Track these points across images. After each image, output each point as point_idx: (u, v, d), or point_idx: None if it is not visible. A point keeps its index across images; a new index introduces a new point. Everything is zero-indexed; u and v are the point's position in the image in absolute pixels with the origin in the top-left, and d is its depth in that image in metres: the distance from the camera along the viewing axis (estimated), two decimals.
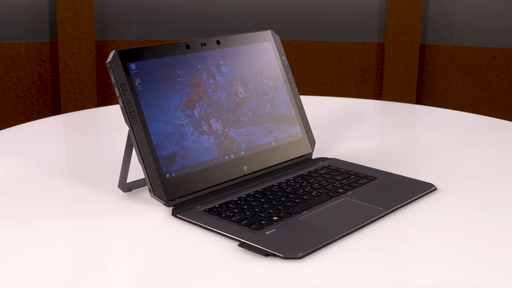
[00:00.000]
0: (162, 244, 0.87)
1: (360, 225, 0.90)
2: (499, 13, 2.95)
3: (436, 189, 1.04)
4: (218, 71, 1.05)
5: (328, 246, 0.85)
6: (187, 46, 1.02)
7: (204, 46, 1.05)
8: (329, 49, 3.01)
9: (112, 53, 0.94)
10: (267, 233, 0.87)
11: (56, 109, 3.02)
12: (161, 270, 0.79)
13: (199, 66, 1.03)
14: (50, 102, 3.01)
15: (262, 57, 1.13)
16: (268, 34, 1.15)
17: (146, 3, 2.96)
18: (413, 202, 0.99)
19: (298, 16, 3.00)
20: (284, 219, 0.91)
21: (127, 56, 0.96)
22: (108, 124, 1.54)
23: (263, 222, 0.89)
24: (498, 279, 0.78)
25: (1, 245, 0.85)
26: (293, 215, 0.92)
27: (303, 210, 0.94)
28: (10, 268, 0.79)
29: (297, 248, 0.83)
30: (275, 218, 0.91)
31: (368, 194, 1.00)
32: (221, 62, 1.06)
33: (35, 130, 1.40)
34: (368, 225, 0.91)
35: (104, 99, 3.01)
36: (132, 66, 0.96)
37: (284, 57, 1.16)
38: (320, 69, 3.02)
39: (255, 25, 2.98)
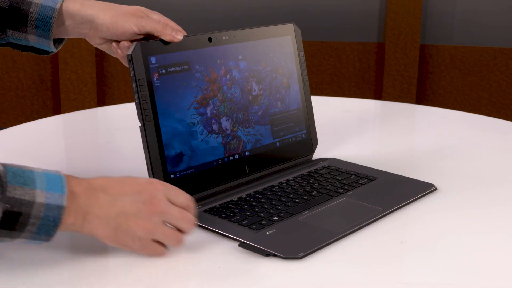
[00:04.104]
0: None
1: (360, 225, 0.90)
2: (499, 13, 2.95)
3: (436, 189, 1.04)
4: (236, 66, 1.04)
5: (328, 246, 0.85)
6: (210, 39, 1.01)
7: (226, 39, 1.03)
8: (329, 49, 3.01)
9: (134, 44, 0.92)
10: (267, 233, 0.87)
11: (56, 109, 3.02)
12: (161, 270, 0.79)
13: (219, 61, 1.01)
14: (50, 102, 3.01)
15: (281, 52, 1.11)
16: (290, 27, 1.13)
17: (146, 3, 2.96)
18: (413, 202, 0.99)
19: (298, 16, 3.00)
20: (284, 219, 0.91)
21: (149, 48, 0.93)
22: (108, 124, 1.54)
23: (263, 222, 0.89)
24: (498, 279, 0.78)
25: (1, 245, 0.85)
26: (293, 215, 0.92)
27: (303, 210, 0.94)
28: (10, 268, 0.79)
29: (297, 248, 0.82)
30: (275, 218, 0.91)
31: (368, 194, 1.00)
32: (240, 57, 1.04)
33: (35, 130, 1.40)
34: (368, 225, 0.91)
35: (104, 99, 3.01)
36: (153, 59, 0.94)
37: (302, 53, 1.14)
38: (320, 69, 3.02)
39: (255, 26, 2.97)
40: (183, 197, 0.83)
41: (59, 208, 0.74)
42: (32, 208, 0.72)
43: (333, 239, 0.85)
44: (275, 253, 0.81)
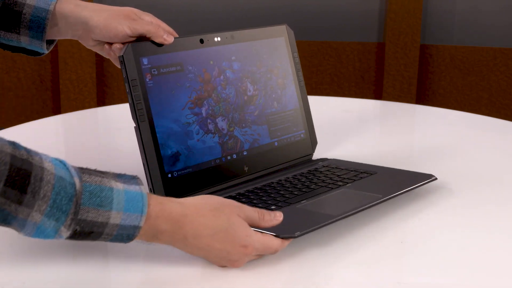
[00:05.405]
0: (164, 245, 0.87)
1: (359, 209, 0.89)
2: (499, 13, 2.95)
3: (436, 178, 1.03)
4: (230, 67, 1.04)
5: (327, 245, 0.85)
6: (201, 41, 1.02)
7: (218, 40, 1.04)
8: (329, 49, 3.01)
9: (125, 46, 0.93)
10: None
11: (56, 109, 3.02)
12: (160, 269, 0.79)
13: (211, 62, 1.02)
14: (50, 102, 3.01)
15: (275, 53, 1.11)
16: (283, 29, 1.14)
17: (146, 2, 2.96)
18: (413, 202, 0.99)
19: (298, 16, 3.00)
20: (282, 207, 0.91)
21: (140, 50, 0.94)
22: (107, 124, 1.54)
23: None
24: (498, 279, 0.78)
25: (2, 245, 0.85)
26: (291, 204, 0.92)
27: (301, 200, 0.94)
28: (10, 268, 0.79)
29: (293, 228, 0.82)
30: (273, 207, 0.91)
31: (368, 185, 1.00)
32: (233, 58, 1.05)
33: (35, 130, 1.40)
34: (368, 224, 0.91)
35: (104, 99, 3.01)
36: (145, 60, 0.94)
37: (296, 54, 1.15)
38: (320, 69, 3.02)
39: (254, 26, 2.97)
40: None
41: (135, 228, 0.73)
42: (104, 228, 0.72)
43: (331, 221, 0.85)
44: (271, 233, 0.81)
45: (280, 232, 0.81)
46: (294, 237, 0.80)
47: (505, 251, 0.85)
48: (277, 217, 0.81)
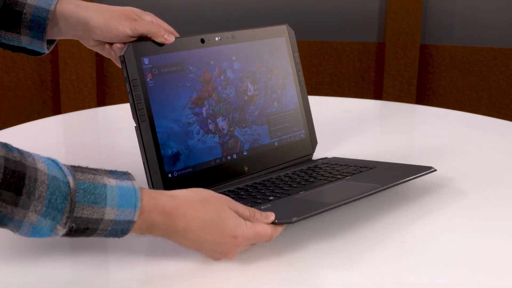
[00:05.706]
0: (161, 242, 0.87)
1: (357, 197, 0.89)
2: (499, 13, 2.95)
3: (435, 170, 1.03)
4: (230, 67, 1.04)
5: (326, 244, 0.85)
6: (202, 41, 1.02)
7: (219, 40, 1.04)
8: (329, 49, 3.01)
9: (126, 46, 0.93)
10: (262, 207, 0.86)
11: (56, 109, 3.02)
12: (160, 268, 0.79)
13: (212, 62, 1.02)
14: (50, 102, 3.01)
15: (275, 53, 1.11)
16: (283, 29, 1.14)
17: (146, 2, 2.96)
18: (413, 202, 0.99)
19: (298, 16, 3.00)
20: (280, 198, 0.91)
21: (141, 50, 0.94)
22: (107, 124, 1.54)
23: (259, 201, 0.90)
24: (498, 279, 0.78)
25: (2, 245, 0.85)
26: (289, 195, 0.92)
27: (300, 191, 0.94)
28: (10, 268, 0.79)
29: (291, 215, 0.82)
30: (271, 198, 0.91)
31: (367, 177, 1.00)
32: (234, 57, 1.05)
33: (35, 130, 1.40)
34: (368, 223, 0.91)
35: (104, 99, 3.01)
36: (146, 60, 0.94)
37: (296, 54, 1.15)
38: (320, 69, 3.02)
39: (254, 26, 2.97)
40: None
41: (129, 223, 0.74)
42: (99, 224, 0.72)
43: (328, 208, 0.84)
44: None
45: (277, 218, 0.81)
46: (291, 223, 0.80)
47: (505, 251, 0.85)
48: (268, 216, 0.82)
